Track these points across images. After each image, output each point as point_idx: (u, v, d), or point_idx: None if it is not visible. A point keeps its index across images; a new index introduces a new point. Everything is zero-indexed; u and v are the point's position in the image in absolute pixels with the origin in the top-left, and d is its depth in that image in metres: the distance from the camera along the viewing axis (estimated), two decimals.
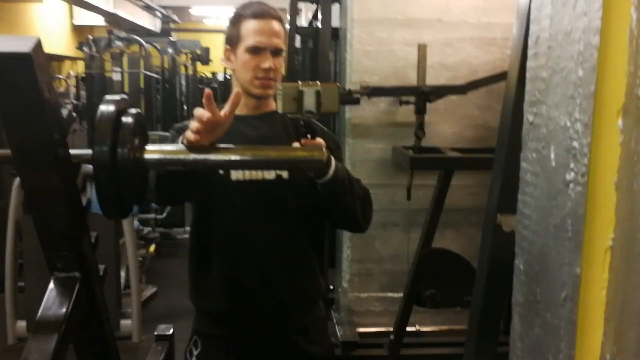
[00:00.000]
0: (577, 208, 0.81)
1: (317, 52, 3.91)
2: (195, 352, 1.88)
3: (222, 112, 1.29)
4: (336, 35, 3.95)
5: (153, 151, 1.19)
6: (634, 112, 0.69)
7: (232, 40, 1.75)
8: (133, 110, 1.15)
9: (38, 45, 1.02)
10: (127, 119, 1.12)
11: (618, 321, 0.73)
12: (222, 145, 1.23)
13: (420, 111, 3.46)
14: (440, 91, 3.51)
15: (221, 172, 1.68)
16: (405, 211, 3.74)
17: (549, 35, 0.92)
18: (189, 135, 1.26)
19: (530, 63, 1.00)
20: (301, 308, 1.85)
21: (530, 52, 1.00)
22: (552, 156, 0.91)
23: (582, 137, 0.80)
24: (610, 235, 0.74)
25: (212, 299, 1.81)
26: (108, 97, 1.13)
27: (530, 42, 1.00)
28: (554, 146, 0.90)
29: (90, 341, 1.36)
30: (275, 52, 1.72)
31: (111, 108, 1.09)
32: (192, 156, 1.20)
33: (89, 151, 1.12)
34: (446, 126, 3.80)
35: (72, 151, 1.14)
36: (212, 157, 1.19)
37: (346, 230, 1.94)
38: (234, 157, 1.20)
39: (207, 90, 1.26)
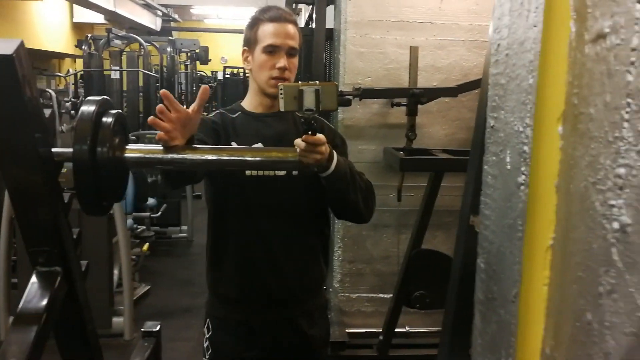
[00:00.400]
0: (526, 209, 0.85)
1: (311, 52, 3.95)
2: (207, 335, 1.97)
3: (190, 108, 1.34)
4: (331, 36, 3.99)
5: (133, 150, 1.23)
6: (572, 119, 0.73)
7: (250, 42, 1.85)
8: (114, 111, 1.19)
9: (20, 47, 1.06)
10: (107, 119, 1.16)
11: (556, 316, 0.77)
12: (199, 146, 1.26)
13: (412, 113, 3.49)
14: (432, 93, 3.54)
15: None
16: (397, 212, 3.78)
17: (507, 44, 0.96)
18: (159, 135, 1.29)
19: (492, 70, 1.05)
20: (306, 295, 1.95)
21: (492, 60, 1.05)
22: (508, 159, 0.95)
23: (531, 142, 0.84)
24: (551, 234, 0.78)
25: (227, 285, 1.90)
26: (89, 98, 1.17)
27: (492, 50, 1.04)
28: (509, 150, 0.94)
29: (72, 335, 1.40)
30: (290, 53, 1.82)
31: (91, 108, 1.13)
32: (170, 156, 1.24)
33: (70, 150, 1.16)
34: (438, 128, 3.84)
35: (54, 150, 1.18)
36: (190, 156, 1.23)
37: (350, 221, 2.04)
38: (210, 157, 1.24)
39: (163, 90, 1.29)
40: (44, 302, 1.21)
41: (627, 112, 0.62)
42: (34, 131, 1.12)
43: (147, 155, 1.26)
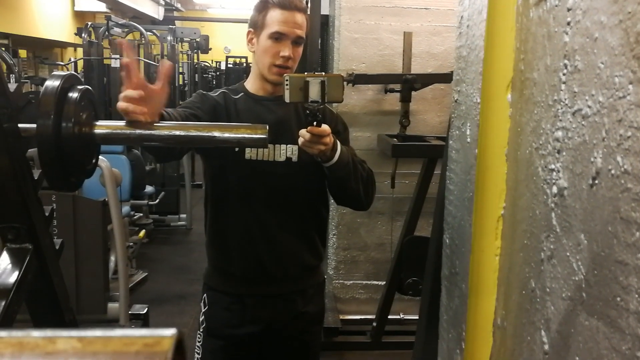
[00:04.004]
0: (479, 180, 0.84)
1: (306, 39, 3.92)
2: (203, 310, 1.99)
3: (155, 85, 1.31)
4: (325, 22, 3.97)
5: (102, 126, 1.23)
6: (519, 86, 0.72)
7: (256, 25, 1.83)
8: (81, 87, 1.18)
9: None
10: (73, 95, 1.16)
11: (506, 285, 0.76)
12: (167, 123, 1.26)
13: (405, 99, 3.47)
14: (425, 79, 3.52)
15: (236, 149, 1.78)
16: (391, 200, 3.77)
17: (468, 15, 0.95)
18: (122, 108, 1.26)
19: (456, 43, 1.03)
20: (302, 274, 1.96)
21: (457, 33, 1.03)
22: (468, 132, 0.94)
23: (484, 112, 0.83)
24: (502, 204, 0.77)
25: (225, 259, 1.93)
26: (55, 73, 1.16)
27: (457, 22, 1.03)
28: (469, 122, 0.93)
29: (46, 312, 1.40)
30: (296, 42, 1.80)
31: (56, 83, 1.13)
32: (139, 132, 1.23)
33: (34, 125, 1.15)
34: (433, 115, 3.82)
35: (21, 125, 1.17)
36: (157, 132, 1.23)
37: (350, 208, 2.07)
38: (178, 133, 1.23)
39: (121, 40, 1.27)
40: (13, 278, 1.21)
41: (563, 74, 0.61)
42: None
43: (115, 131, 1.25)
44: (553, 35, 0.62)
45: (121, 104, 1.27)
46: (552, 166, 0.63)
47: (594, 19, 0.54)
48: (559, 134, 0.61)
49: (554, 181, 0.63)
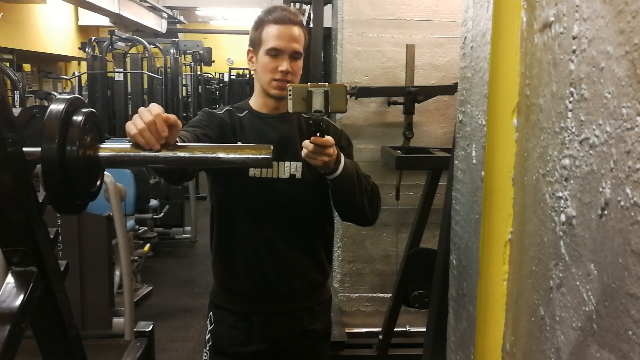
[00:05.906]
0: (486, 203, 0.83)
1: (309, 52, 3.94)
2: (209, 328, 1.99)
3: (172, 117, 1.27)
4: (328, 35, 3.98)
5: (106, 149, 1.22)
6: (525, 111, 0.71)
7: (254, 43, 1.85)
8: (85, 109, 1.18)
9: None
10: (77, 118, 1.16)
11: (514, 311, 0.75)
12: (172, 144, 1.25)
13: (409, 111, 3.47)
14: (428, 91, 3.52)
15: None
16: (396, 211, 3.76)
17: (472, 37, 0.95)
18: (138, 139, 1.23)
19: (460, 63, 1.03)
20: (308, 291, 1.96)
21: (460, 53, 1.03)
22: (474, 154, 0.93)
23: (490, 135, 0.83)
24: (509, 229, 0.77)
25: (231, 277, 1.93)
26: (59, 96, 1.16)
27: (461, 43, 1.03)
28: (474, 144, 0.93)
29: (51, 335, 1.40)
30: (294, 56, 1.81)
31: (60, 107, 1.12)
32: (143, 154, 1.23)
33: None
34: (437, 126, 3.82)
35: (26, 149, 1.17)
36: (162, 154, 1.22)
37: (355, 224, 2.06)
38: (182, 155, 1.23)
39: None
40: (18, 302, 1.21)
41: (570, 102, 0.60)
42: (1, 130, 1.11)
43: (120, 154, 1.25)
44: (558, 63, 0.62)
45: (134, 134, 1.23)
46: (560, 194, 0.62)
47: (600, 49, 0.54)
48: (566, 161, 0.61)
49: (562, 209, 0.62)
